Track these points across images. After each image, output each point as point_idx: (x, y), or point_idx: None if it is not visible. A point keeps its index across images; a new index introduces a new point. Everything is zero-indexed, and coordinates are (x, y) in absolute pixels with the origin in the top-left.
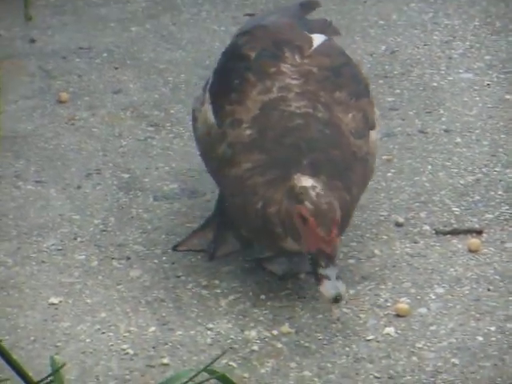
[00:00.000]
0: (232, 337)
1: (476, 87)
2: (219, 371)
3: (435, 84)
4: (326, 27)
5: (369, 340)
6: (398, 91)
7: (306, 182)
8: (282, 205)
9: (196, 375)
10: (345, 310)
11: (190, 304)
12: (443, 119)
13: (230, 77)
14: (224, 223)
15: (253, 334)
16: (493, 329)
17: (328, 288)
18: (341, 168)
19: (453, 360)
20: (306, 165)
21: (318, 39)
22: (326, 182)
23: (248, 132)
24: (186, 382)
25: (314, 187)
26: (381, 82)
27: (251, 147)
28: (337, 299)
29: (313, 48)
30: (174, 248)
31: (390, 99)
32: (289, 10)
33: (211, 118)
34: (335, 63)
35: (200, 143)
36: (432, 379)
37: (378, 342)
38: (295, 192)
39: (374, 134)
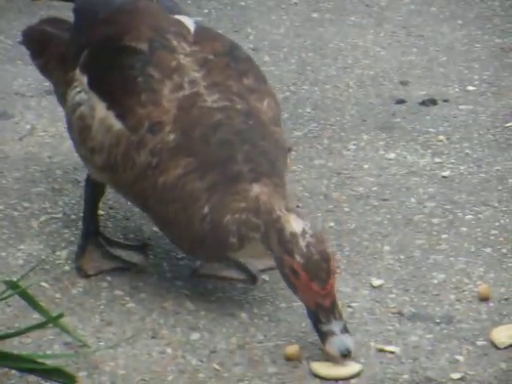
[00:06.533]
0: (43, 257)
1: (283, 6)
2: (22, 286)
3: (243, 3)
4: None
5: None
6: (206, 11)
7: (297, 224)
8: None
9: None
10: None
11: (1, 226)
12: (251, 38)
13: (128, 75)
14: (93, 240)
15: (64, 254)
16: None
17: (334, 345)
18: (271, 159)
19: None
20: (246, 171)
21: (187, 21)
22: (269, 184)
23: (172, 136)
24: None
25: (304, 233)
26: (189, 2)
27: (178, 151)
28: (345, 355)
29: (192, 33)
30: (85, 275)
31: (198, 19)
32: None
33: (117, 124)
34: (226, 48)
35: (100, 156)
36: None
37: None
38: (285, 238)
39: None
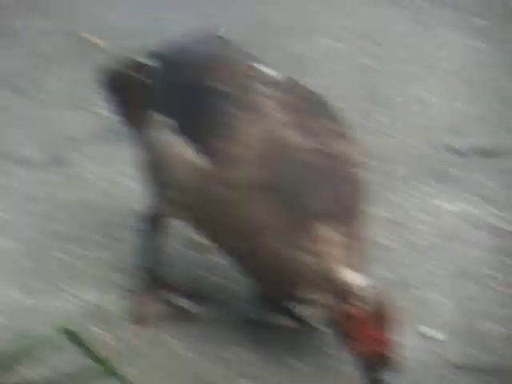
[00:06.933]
0: (99, 304)
1: (335, 54)
2: (77, 333)
3: (298, 51)
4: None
5: None
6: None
7: (355, 278)
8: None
9: None
10: None
11: (55, 272)
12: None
13: (209, 112)
14: (150, 287)
15: (120, 301)
16: None
17: None
18: (348, 204)
19: None
20: (324, 215)
21: (269, 71)
22: (339, 230)
23: (250, 171)
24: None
25: (364, 284)
26: None
27: (255, 186)
28: None
29: (276, 79)
30: (141, 323)
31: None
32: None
33: (196, 159)
34: (310, 95)
35: (176, 192)
36: None
37: None
38: (343, 289)
39: None
